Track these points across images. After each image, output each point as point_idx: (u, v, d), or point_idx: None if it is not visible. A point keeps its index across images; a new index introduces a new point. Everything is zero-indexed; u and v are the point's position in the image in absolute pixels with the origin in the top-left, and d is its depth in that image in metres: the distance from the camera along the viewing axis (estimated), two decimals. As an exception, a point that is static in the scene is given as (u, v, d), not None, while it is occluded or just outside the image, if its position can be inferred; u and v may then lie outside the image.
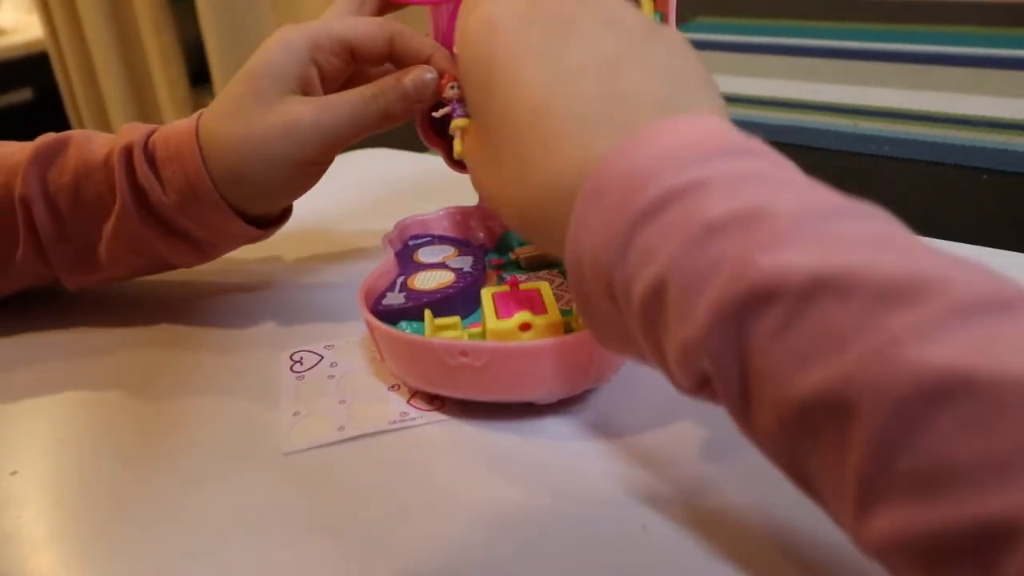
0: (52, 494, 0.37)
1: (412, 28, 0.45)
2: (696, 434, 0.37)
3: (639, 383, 0.40)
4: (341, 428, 0.39)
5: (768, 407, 0.22)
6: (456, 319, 0.42)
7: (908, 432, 0.18)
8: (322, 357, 0.45)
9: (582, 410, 0.39)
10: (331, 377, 0.43)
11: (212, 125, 0.44)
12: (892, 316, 0.19)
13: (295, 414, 0.40)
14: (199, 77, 1.90)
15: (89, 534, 0.35)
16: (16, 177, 0.46)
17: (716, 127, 0.26)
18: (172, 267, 0.50)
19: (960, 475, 0.18)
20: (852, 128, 0.72)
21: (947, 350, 0.18)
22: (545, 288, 0.41)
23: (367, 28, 0.44)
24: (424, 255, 0.48)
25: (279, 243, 0.59)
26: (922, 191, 0.61)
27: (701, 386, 0.24)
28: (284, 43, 0.43)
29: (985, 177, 0.61)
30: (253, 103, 0.42)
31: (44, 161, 0.46)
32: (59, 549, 0.34)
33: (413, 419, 0.39)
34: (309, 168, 0.45)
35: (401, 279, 0.45)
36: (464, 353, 0.36)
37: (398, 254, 0.48)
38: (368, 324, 0.40)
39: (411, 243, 0.50)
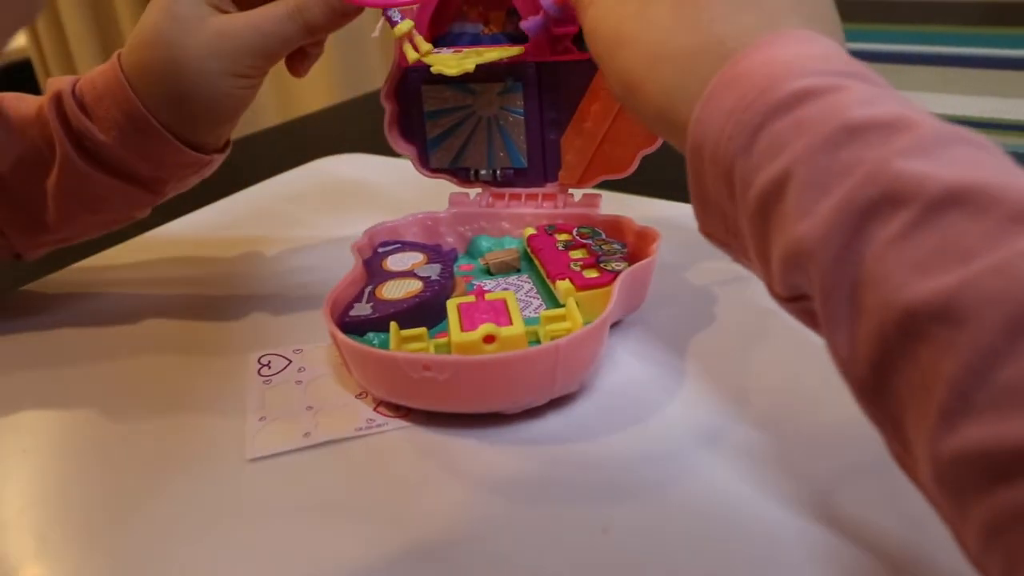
0: (16, 502, 0.37)
1: None
2: (662, 438, 0.37)
3: (606, 389, 0.40)
4: (307, 434, 0.39)
5: (871, 314, 0.21)
6: (422, 330, 0.42)
7: (1015, 344, 0.18)
8: (290, 361, 0.45)
9: (549, 416, 0.39)
10: (299, 382, 0.43)
11: (135, 57, 0.44)
12: (1021, 237, 0.19)
13: (261, 419, 0.40)
14: None
15: (54, 539, 0.35)
16: None
17: (833, 45, 0.27)
18: (125, 219, 0.50)
19: None
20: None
21: None
22: (511, 298, 0.41)
23: None
24: (393, 263, 0.48)
25: (250, 245, 0.59)
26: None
27: (795, 298, 0.25)
28: None
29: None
30: (173, 27, 0.43)
31: None
32: (21, 555, 0.34)
33: (379, 426, 0.39)
34: (241, 83, 0.44)
35: (369, 289, 0.45)
36: (427, 367, 0.36)
37: (366, 262, 0.48)
38: (333, 337, 0.40)
39: (380, 250, 0.50)
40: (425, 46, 0.45)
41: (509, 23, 0.50)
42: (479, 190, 0.53)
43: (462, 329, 0.38)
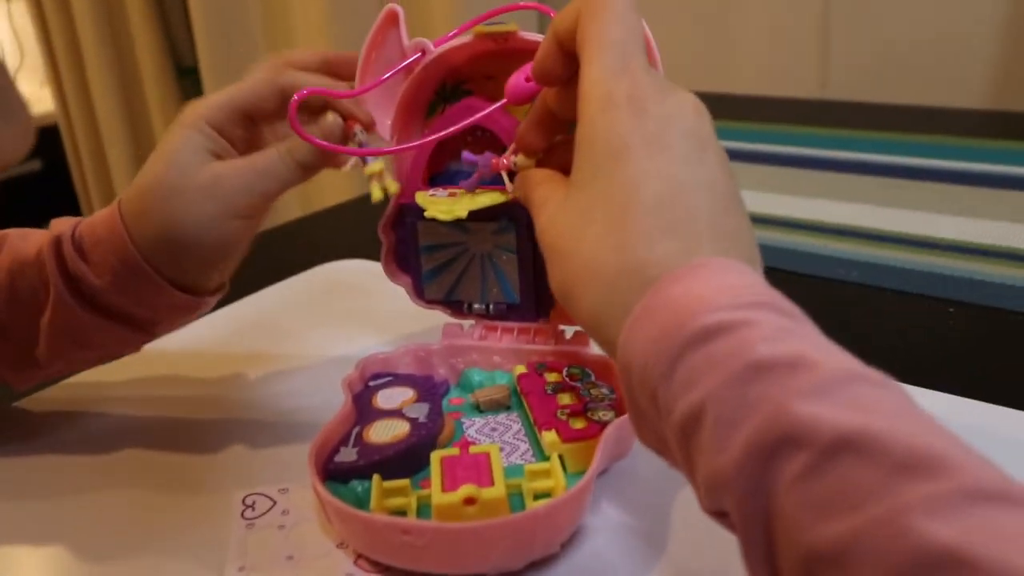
0: None
1: (300, 73, 0.47)
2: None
3: (585, 550, 0.40)
4: None
5: (783, 549, 0.23)
6: (405, 483, 0.41)
7: None
8: (275, 503, 0.45)
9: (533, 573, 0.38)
10: (281, 527, 0.43)
11: (134, 205, 0.45)
12: (908, 486, 0.21)
13: (240, 569, 0.40)
14: None
15: None
16: None
17: (760, 279, 0.29)
18: (116, 356, 0.51)
19: None
20: (819, 249, 0.73)
21: (951, 529, 0.20)
22: (494, 452, 0.41)
23: (256, 90, 0.46)
24: (382, 399, 0.49)
25: (245, 363, 0.60)
26: (886, 323, 0.61)
27: (721, 514, 0.26)
28: (189, 121, 0.45)
29: (951, 311, 0.61)
30: (171, 174, 0.44)
31: None
32: None
33: None
34: (237, 225, 0.45)
35: (356, 430, 0.45)
36: (407, 532, 0.36)
37: (356, 397, 0.48)
38: (315, 491, 0.40)
39: (371, 384, 0.50)
40: (393, 186, 0.45)
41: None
42: (472, 322, 0.54)
43: (443, 488, 0.38)
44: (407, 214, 0.51)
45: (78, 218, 0.48)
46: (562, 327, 0.52)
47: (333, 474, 0.42)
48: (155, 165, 0.45)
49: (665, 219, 0.30)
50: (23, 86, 2.39)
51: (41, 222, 0.51)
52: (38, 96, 2.31)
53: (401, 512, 0.40)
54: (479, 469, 0.40)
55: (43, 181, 2.24)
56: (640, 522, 0.42)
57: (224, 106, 0.46)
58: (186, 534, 0.43)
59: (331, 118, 0.45)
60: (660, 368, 0.27)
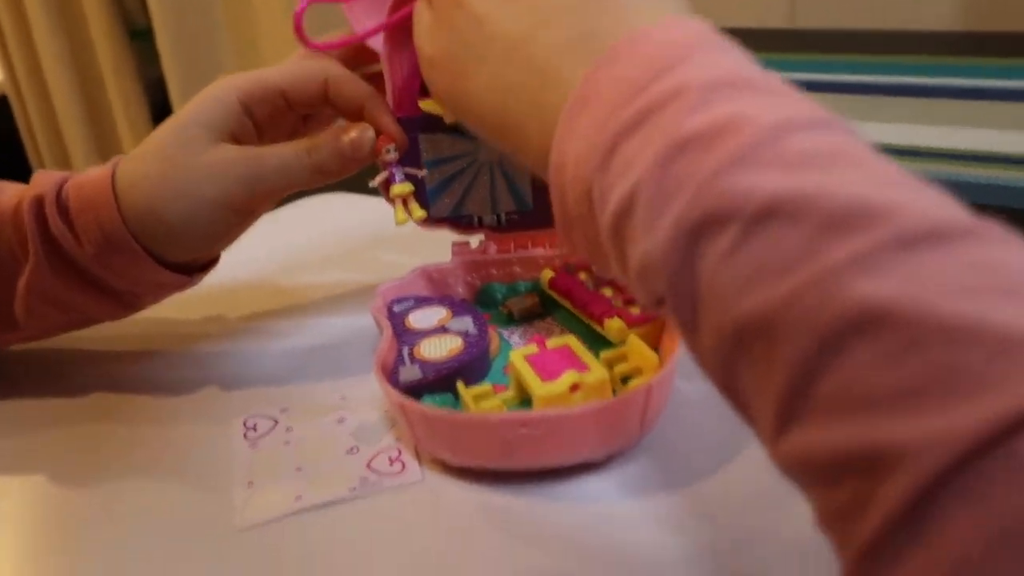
0: None
1: (348, 72, 0.44)
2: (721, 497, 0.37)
3: (666, 436, 0.40)
4: (299, 497, 0.37)
5: (711, 327, 0.22)
6: (488, 387, 0.40)
7: (828, 359, 0.19)
8: (277, 422, 0.43)
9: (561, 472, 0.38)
10: (287, 443, 0.41)
11: (131, 167, 0.42)
12: (836, 244, 0.20)
13: (249, 484, 0.38)
14: (161, 117, 1.78)
15: None
16: None
17: (689, 25, 0.27)
18: (94, 321, 0.47)
19: (867, 403, 0.18)
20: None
21: (878, 284, 0.19)
22: (574, 343, 0.40)
23: (299, 73, 0.43)
24: (416, 320, 0.46)
25: (226, 298, 0.56)
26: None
27: (657, 304, 0.25)
28: (217, 92, 0.42)
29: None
30: (179, 147, 0.41)
31: None
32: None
33: (373, 484, 0.37)
34: (234, 215, 0.43)
35: (406, 350, 0.43)
36: (524, 424, 0.35)
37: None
38: (401, 407, 0.37)
39: (396, 309, 0.48)
40: (419, 212, 0.45)
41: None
42: (481, 237, 0.52)
43: (542, 380, 0.37)
44: (407, 129, 0.48)
45: (65, 174, 0.43)
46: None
47: (403, 392, 0.39)
48: (164, 131, 0.42)
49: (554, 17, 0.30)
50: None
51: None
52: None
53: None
54: (569, 358, 0.38)
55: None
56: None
57: (263, 82, 0.42)
58: (188, 461, 0.41)
59: (365, 131, 0.43)
60: (595, 161, 0.26)
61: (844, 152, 0.22)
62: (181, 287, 0.45)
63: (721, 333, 0.22)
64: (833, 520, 0.20)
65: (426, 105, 0.46)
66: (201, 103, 0.42)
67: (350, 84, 0.43)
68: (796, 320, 0.20)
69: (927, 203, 0.20)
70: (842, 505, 0.19)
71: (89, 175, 0.42)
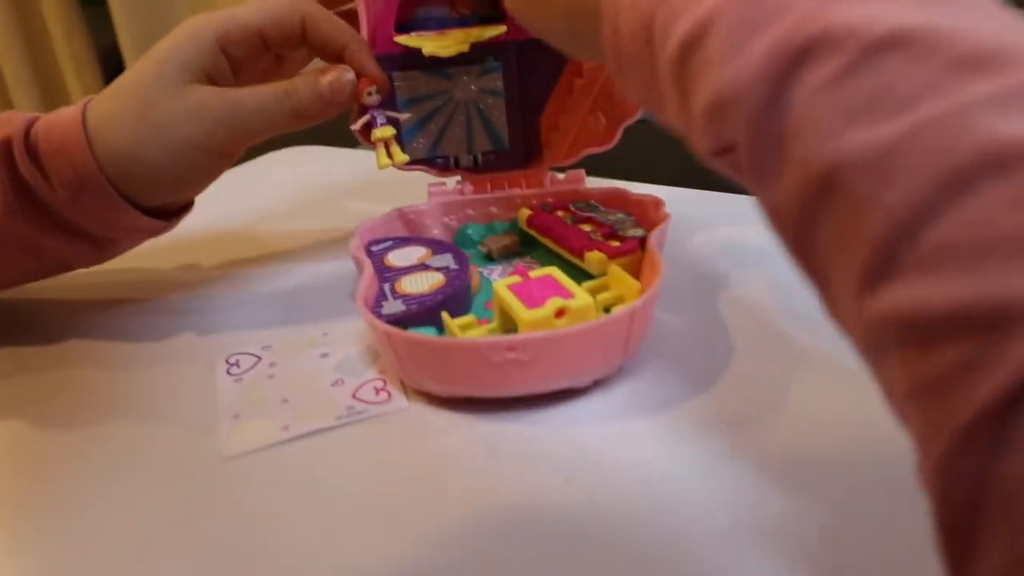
0: None
1: (324, 10, 0.43)
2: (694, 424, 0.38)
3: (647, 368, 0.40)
4: (286, 428, 0.37)
5: (798, 166, 0.20)
6: (472, 318, 0.40)
7: (949, 202, 0.17)
8: (259, 359, 0.43)
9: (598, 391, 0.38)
10: (271, 377, 0.41)
11: (104, 106, 0.41)
12: (970, 83, 0.18)
13: (235, 416, 0.38)
14: None
15: (22, 539, 0.33)
16: None
17: None
18: (68, 268, 0.47)
19: (996, 251, 0.16)
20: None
21: (1019, 125, 0.17)
22: (557, 273, 0.40)
23: (276, 12, 0.42)
24: (395, 258, 0.46)
25: (202, 247, 0.56)
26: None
27: (722, 151, 0.23)
28: (193, 31, 0.41)
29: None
30: (156, 86, 0.40)
31: None
32: None
33: (360, 413, 0.38)
34: (212, 158, 0.42)
35: (387, 286, 0.43)
36: (512, 348, 0.35)
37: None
38: (387, 336, 0.37)
39: (374, 249, 0.47)
40: (401, 156, 0.44)
41: (476, 4, 0.49)
42: (457, 179, 0.52)
43: (527, 307, 0.37)
44: (382, 67, 0.48)
45: (34, 115, 0.42)
46: (552, 169, 0.51)
47: (388, 322, 0.39)
48: (138, 70, 0.40)
49: None
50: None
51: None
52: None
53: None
54: (553, 287, 0.39)
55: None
56: (699, 339, 0.42)
57: (239, 22, 0.41)
58: (172, 399, 0.40)
59: (344, 72, 0.42)
60: None
61: (980, 5, 0.20)
62: (157, 232, 0.45)
63: (809, 171, 0.20)
64: (926, 394, 0.17)
65: (404, 40, 0.46)
66: (176, 42, 0.41)
67: (329, 23, 0.43)
68: (915, 157, 0.17)
69: None
70: (945, 372, 0.17)
71: (59, 115, 0.41)
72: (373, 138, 0.44)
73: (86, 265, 0.46)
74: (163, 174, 0.41)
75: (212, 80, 0.42)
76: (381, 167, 0.45)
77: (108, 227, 0.43)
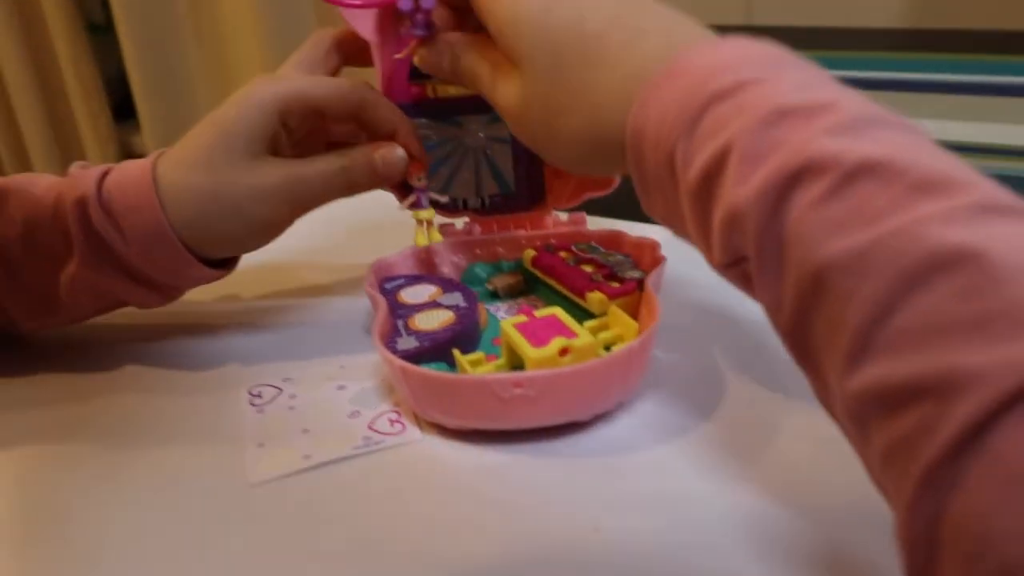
0: (19, 535, 0.37)
1: (383, 97, 0.46)
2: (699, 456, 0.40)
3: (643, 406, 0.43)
4: (307, 456, 0.40)
5: (793, 269, 0.24)
6: (480, 355, 0.43)
7: (909, 294, 0.21)
8: (281, 390, 0.45)
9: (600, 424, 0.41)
10: (291, 408, 0.44)
11: (176, 175, 0.44)
12: (924, 202, 0.22)
13: (260, 445, 0.41)
14: (122, 111, 1.79)
15: (56, 561, 0.35)
16: None
17: (769, 45, 0.30)
18: (126, 305, 0.50)
19: (945, 332, 0.20)
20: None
21: (965, 233, 0.21)
22: (561, 313, 0.43)
23: (337, 92, 0.45)
24: (408, 295, 0.49)
25: (230, 281, 0.58)
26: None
27: (734, 262, 0.28)
28: (259, 103, 0.43)
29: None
30: (224, 159, 0.43)
31: None
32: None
33: (376, 443, 0.40)
34: (274, 228, 0.46)
35: (401, 322, 0.46)
36: (519, 385, 0.38)
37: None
38: (402, 371, 0.40)
39: (387, 286, 0.50)
40: (436, 237, 0.49)
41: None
42: (465, 219, 0.55)
43: (532, 346, 0.40)
44: (397, 115, 0.51)
45: (101, 169, 0.45)
46: (556, 211, 0.54)
47: (402, 358, 0.42)
48: (207, 139, 0.43)
49: (626, 32, 0.33)
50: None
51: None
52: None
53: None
54: (557, 326, 0.41)
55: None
56: (695, 375, 0.45)
57: (302, 97, 0.44)
58: (197, 427, 0.43)
59: (396, 149, 0.45)
60: (683, 122, 0.29)
61: (926, 143, 0.25)
62: (216, 279, 0.48)
63: (803, 272, 0.24)
64: (895, 453, 0.21)
65: (418, 84, 0.49)
66: (241, 112, 0.43)
67: (386, 108, 0.45)
68: (883, 259, 0.22)
69: (994, 185, 0.23)
70: (908, 433, 0.20)
71: (128, 173, 0.44)
72: (416, 218, 0.48)
73: (148, 307, 0.49)
74: (230, 241, 0.45)
75: (273, 146, 0.44)
76: (419, 245, 0.49)
77: (174, 277, 0.46)
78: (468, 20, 0.41)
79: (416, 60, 0.43)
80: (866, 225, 0.23)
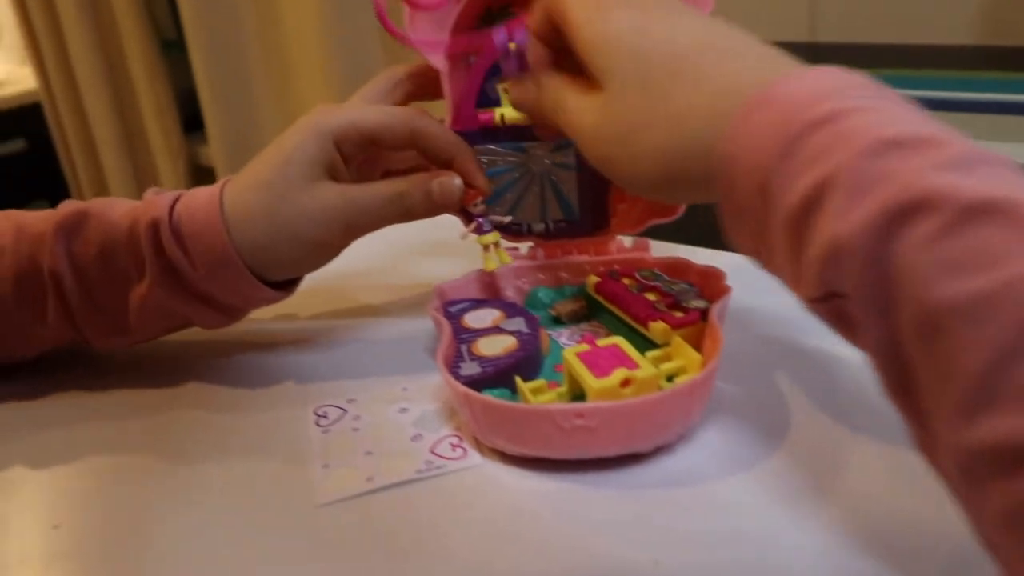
0: (94, 548, 0.38)
1: (436, 123, 0.47)
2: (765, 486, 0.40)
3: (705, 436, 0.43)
4: (370, 479, 0.40)
5: (901, 309, 0.23)
6: (543, 382, 0.43)
7: None
8: (345, 411, 0.46)
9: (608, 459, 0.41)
10: (355, 430, 0.45)
11: (239, 198, 0.46)
12: None
13: (324, 466, 0.42)
14: (191, 124, 1.87)
15: None
16: (41, 249, 0.47)
17: (862, 76, 0.29)
18: (196, 326, 0.52)
19: None
20: None
21: None
22: (623, 343, 0.43)
23: (390, 121, 0.46)
24: (472, 320, 0.49)
25: (294, 300, 0.60)
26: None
27: (826, 296, 0.26)
28: (315, 131, 0.45)
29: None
30: (282, 181, 0.45)
31: (68, 234, 0.47)
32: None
33: (438, 468, 0.41)
34: (330, 250, 0.48)
35: (464, 347, 0.46)
36: (580, 415, 0.38)
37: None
38: (465, 398, 0.40)
39: (451, 309, 0.51)
40: (506, 259, 0.49)
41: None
42: (529, 244, 0.55)
43: (595, 376, 0.40)
44: (465, 141, 0.52)
45: (174, 194, 0.47)
46: (620, 236, 0.54)
47: (465, 383, 0.43)
48: (270, 164, 0.45)
49: (717, 52, 0.33)
50: (1, 67, 2.32)
51: (27, 202, 0.50)
52: (18, 75, 2.24)
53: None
54: (619, 356, 0.42)
55: (28, 160, 2.17)
56: (756, 406, 0.45)
57: (356, 126, 0.46)
58: (262, 445, 0.45)
59: (452, 178, 0.46)
60: (779, 149, 0.28)
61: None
62: (278, 300, 0.50)
63: (913, 314, 0.23)
64: (1015, 516, 0.20)
65: (493, 114, 0.49)
66: (303, 138, 0.45)
67: (442, 137, 0.47)
68: (1008, 304, 0.21)
69: None
70: None
71: (198, 199, 0.46)
72: (480, 243, 0.49)
73: (213, 328, 0.51)
74: (290, 262, 0.47)
75: (331, 171, 0.46)
76: (488, 270, 0.49)
77: (239, 298, 0.48)
78: (564, 60, 0.40)
79: (509, 98, 0.43)
80: (988, 268, 0.22)
